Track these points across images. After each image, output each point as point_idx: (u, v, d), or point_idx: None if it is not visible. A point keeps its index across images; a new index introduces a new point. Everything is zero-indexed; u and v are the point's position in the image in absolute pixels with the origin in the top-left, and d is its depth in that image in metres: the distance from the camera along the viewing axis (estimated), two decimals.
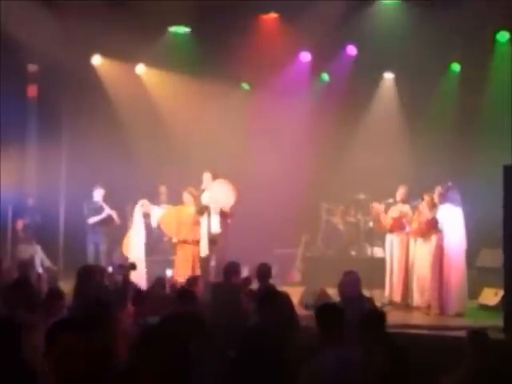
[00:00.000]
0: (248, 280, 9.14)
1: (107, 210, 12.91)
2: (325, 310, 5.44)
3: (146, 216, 12.76)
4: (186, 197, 12.00)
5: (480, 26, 12.58)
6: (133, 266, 9.98)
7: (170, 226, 12.32)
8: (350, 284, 7.98)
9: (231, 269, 8.93)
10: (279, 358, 5.26)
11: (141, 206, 12.62)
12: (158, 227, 12.76)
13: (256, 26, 14.24)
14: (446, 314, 10.44)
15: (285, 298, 8.09)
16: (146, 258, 12.51)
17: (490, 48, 13.84)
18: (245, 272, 10.36)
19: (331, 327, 5.17)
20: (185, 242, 11.97)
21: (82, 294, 8.43)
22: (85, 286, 8.59)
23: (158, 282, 9.17)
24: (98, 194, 13.02)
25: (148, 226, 14.63)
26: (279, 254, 14.26)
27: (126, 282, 9.41)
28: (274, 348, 5.35)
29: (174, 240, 12.24)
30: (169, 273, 11.60)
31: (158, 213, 12.75)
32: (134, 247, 12.52)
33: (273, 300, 6.57)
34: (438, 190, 10.73)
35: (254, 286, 8.70)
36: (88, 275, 8.82)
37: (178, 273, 11.70)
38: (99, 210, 12.93)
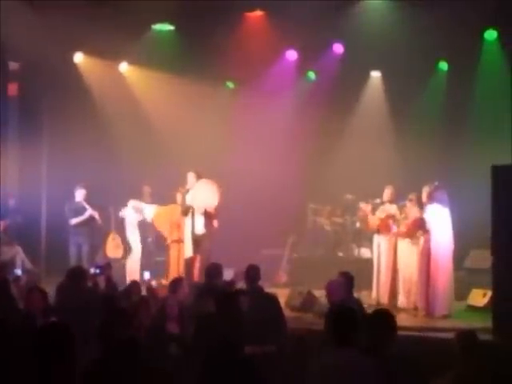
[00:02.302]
0: (232, 283, 9.13)
1: (89, 211, 12.86)
2: (340, 313, 5.48)
3: (138, 212, 12.86)
4: (179, 197, 12.02)
5: (468, 25, 12.59)
6: (109, 266, 9.93)
7: (163, 226, 12.39)
8: (333, 289, 7.99)
9: (213, 270, 8.94)
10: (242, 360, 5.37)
11: (132, 208, 12.76)
12: (152, 223, 12.82)
13: (241, 24, 14.20)
14: (433, 316, 10.44)
15: (272, 300, 8.14)
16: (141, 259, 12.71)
17: (478, 46, 13.87)
18: (231, 274, 10.36)
19: (344, 329, 5.22)
20: (177, 241, 12.01)
21: (70, 295, 8.40)
22: (73, 288, 8.56)
23: (132, 285, 9.11)
24: (80, 195, 12.96)
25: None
26: (265, 254, 14.24)
27: (109, 282, 9.37)
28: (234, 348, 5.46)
29: (168, 241, 12.28)
30: (146, 275, 11.59)
31: (150, 210, 12.82)
32: (131, 248, 12.66)
33: (230, 302, 6.66)
34: (426, 189, 10.74)
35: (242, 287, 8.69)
36: (78, 277, 8.78)
37: (170, 274, 11.70)
38: (81, 211, 12.87)
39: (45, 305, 7.62)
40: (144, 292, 9.44)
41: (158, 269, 12.60)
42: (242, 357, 5.44)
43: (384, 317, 5.93)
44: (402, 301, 11.10)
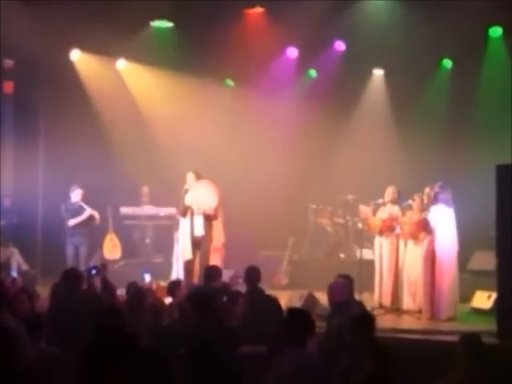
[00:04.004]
0: (228, 286, 9.18)
1: (88, 211, 12.84)
2: (291, 313, 5.89)
3: None
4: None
5: (472, 21, 12.58)
6: (105, 267, 9.93)
7: None
8: (336, 289, 8.04)
9: (212, 272, 9.08)
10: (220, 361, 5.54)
11: None
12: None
13: (241, 21, 14.22)
14: (437, 319, 10.45)
15: (273, 302, 8.17)
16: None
17: (483, 44, 13.86)
18: (231, 275, 10.39)
19: (293, 329, 5.54)
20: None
21: (65, 297, 8.40)
22: (68, 290, 8.55)
23: (131, 287, 9.11)
24: (77, 195, 12.96)
25: (129, 228, 14.66)
26: (265, 256, 14.23)
27: (105, 283, 9.39)
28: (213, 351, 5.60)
29: None
30: (147, 278, 11.59)
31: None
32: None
33: (207, 304, 6.86)
34: (427, 190, 10.73)
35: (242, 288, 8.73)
36: (73, 279, 8.76)
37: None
38: (78, 211, 12.87)
39: (31, 308, 7.62)
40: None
41: (156, 270, 12.63)
42: (223, 360, 5.58)
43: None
44: (406, 303, 11.10)
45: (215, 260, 12.79)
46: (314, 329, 5.71)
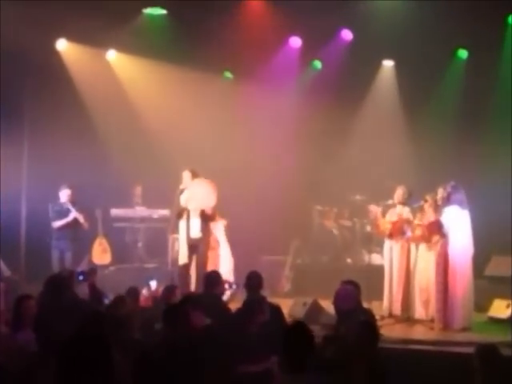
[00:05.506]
0: (222, 290, 9.18)
1: (73, 213, 12.80)
2: (291, 331, 5.45)
3: None
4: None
5: (489, 9, 12.53)
6: (94, 272, 9.89)
7: None
8: (343, 296, 7.99)
9: (212, 279, 9.10)
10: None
11: None
12: None
13: (241, 8, 14.17)
14: (451, 328, 10.38)
15: (275, 310, 8.12)
16: None
17: (501, 32, 13.84)
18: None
19: (293, 350, 5.20)
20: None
21: (49, 305, 8.35)
22: (53, 297, 8.50)
23: (130, 293, 9.05)
24: (64, 195, 12.94)
25: (120, 231, 14.62)
26: (267, 261, 14.25)
27: (93, 289, 9.35)
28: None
29: None
30: (153, 284, 11.59)
31: None
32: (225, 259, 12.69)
33: (174, 316, 6.85)
34: (441, 191, 10.67)
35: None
36: (57, 286, 8.71)
37: None
38: (65, 213, 12.84)
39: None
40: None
41: (148, 276, 12.59)
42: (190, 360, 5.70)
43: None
44: (418, 312, 11.05)
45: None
46: (313, 347, 5.30)
